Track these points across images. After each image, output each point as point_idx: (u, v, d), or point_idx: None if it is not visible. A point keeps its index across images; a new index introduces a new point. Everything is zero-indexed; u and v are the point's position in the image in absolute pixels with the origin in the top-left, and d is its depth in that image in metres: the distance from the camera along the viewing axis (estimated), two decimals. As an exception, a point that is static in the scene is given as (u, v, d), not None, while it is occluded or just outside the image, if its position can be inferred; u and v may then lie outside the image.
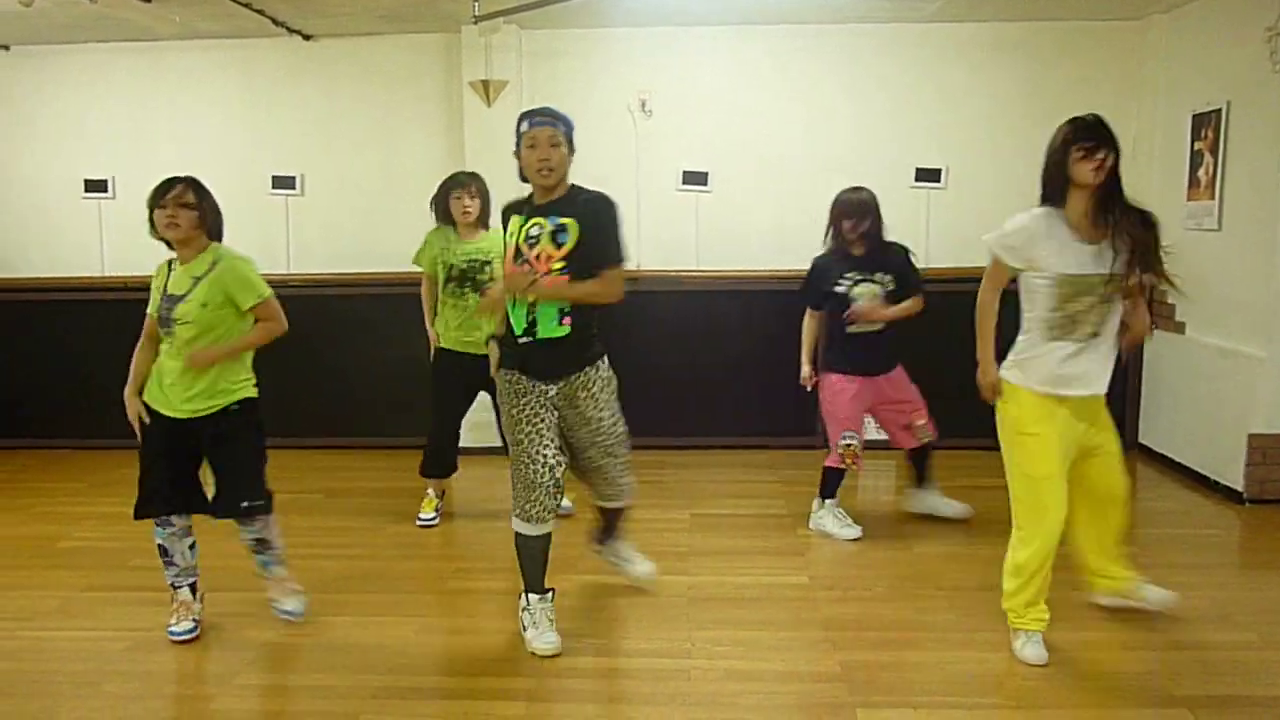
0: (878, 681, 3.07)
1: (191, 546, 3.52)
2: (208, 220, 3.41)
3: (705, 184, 6.10)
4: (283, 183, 6.27)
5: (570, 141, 3.28)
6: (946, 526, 4.57)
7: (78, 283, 6.31)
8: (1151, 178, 5.86)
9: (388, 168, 6.31)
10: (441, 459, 4.78)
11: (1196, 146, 5.33)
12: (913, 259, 4.45)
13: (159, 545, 3.46)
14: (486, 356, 4.47)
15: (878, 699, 2.95)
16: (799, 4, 5.63)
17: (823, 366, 4.50)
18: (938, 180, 5.99)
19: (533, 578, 3.36)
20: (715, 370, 5.97)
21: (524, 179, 3.32)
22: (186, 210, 3.35)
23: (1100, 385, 3.17)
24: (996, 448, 3.30)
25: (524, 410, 3.27)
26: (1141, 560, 4.15)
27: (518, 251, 3.25)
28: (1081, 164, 3.03)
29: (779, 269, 5.97)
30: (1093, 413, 3.22)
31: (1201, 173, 5.28)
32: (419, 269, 4.80)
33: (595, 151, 6.17)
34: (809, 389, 4.53)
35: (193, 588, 3.52)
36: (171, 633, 3.43)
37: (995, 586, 3.65)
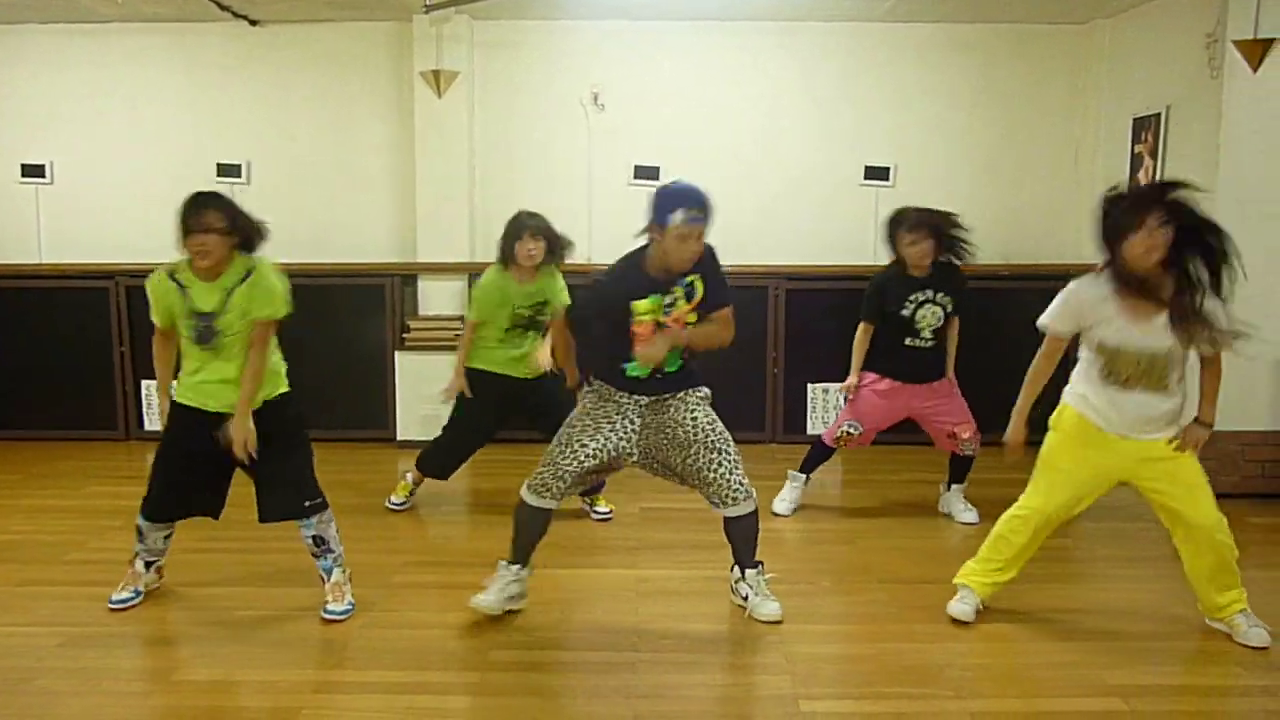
0: (820, 673, 3.11)
1: (167, 536, 3.60)
2: (242, 239, 3.31)
3: (657, 179, 6.08)
4: (228, 171, 6.16)
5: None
6: (891, 521, 4.63)
7: (13, 270, 6.15)
8: (1094, 179, 5.99)
9: (337, 157, 6.23)
10: (444, 464, 4.65)
11: (1137, 149, 5.45)
12: (959, 272, 4.46)
13: (138, 526, 3.52)
14: (528, 380, 4.45)
15: (819, 690, 2.98)
16: (752, 0, 5.66)
17: (866, 365, 4.53)
18: (887, 179, 6.06)
19: (517, 547, 3.45)
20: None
21: (647, 240, 3.28)
22: (218, 236, 3.22)
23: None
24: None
25: (597, 411, 3.36)
26: (1080, 554, 4.27)
27: (657, 324, 3.24)
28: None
29: (730, 264, 5.97)
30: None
31: (1141, 175, 5.40)
32: (472, 318, 4.49)
33: (547, 145, 6.20)
34: (847, 398, 4.56)
35: (148, 564, 3.60)
36: (110, 600, 3.51)
37: (936, 579, 3.72)
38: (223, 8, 5.64)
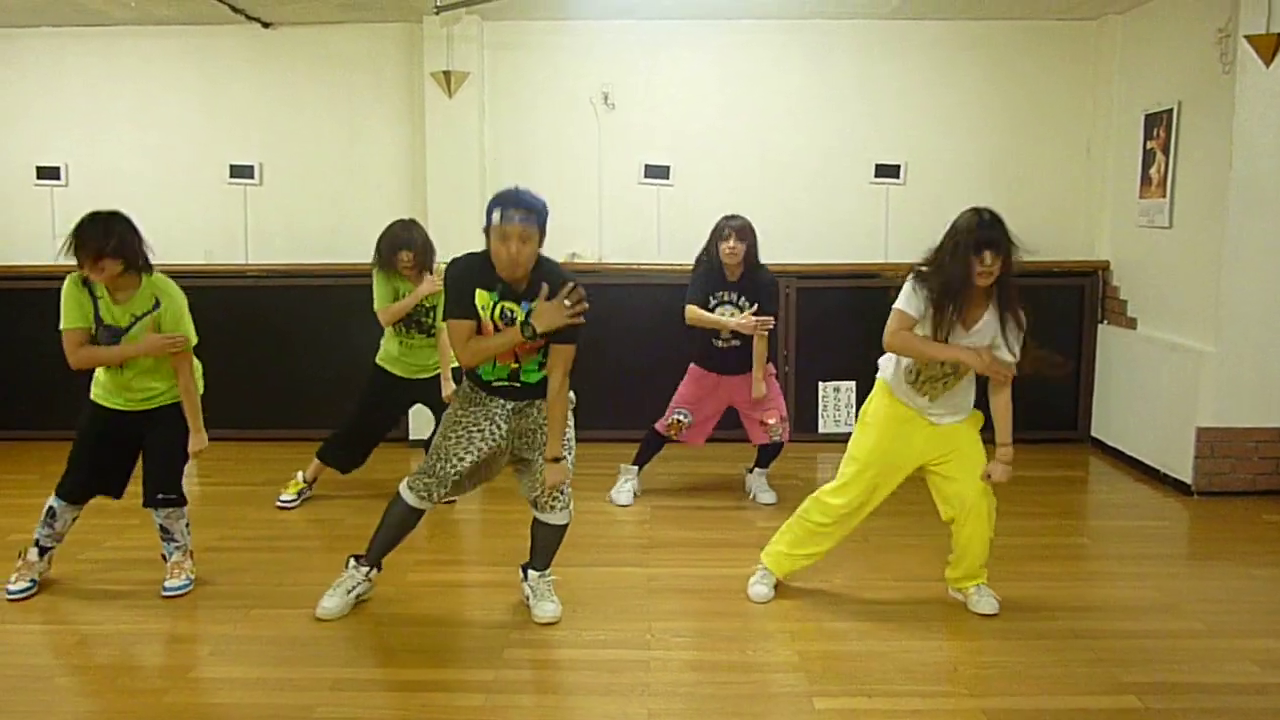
0: (833, 671, 3.11)
1: (74, 519, 3.80)
2: (132, 260, 3.47)
3: (667, 178, 6.11)
4: (241, 172, 6.20)
5: (543, 229, 3.21)
6: (903, 520, 4.61)
7: (29, 271, 6.18)
8: (1105, 175, 5.98)
9: (348, 158, 6.26)
10: (348, 455, 4.84)
11: (1149, 145, 5.43)
12: (774, 288, 4.74)
13: (50, 508, 3.73)
14: (427, 379, 4.73)
15: (833, 688, 2.99)
16: (761, -1, 5.67)
17: (691, 357, 4.87)
18: (897, 176, 6.05)
19: (377, 544, 3.55)
20: (675, 363, 5.98)
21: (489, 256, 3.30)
22: (110, 260, 3.39)
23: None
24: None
25: (467, 417, 3.41)
26: (1094, 552, 4.26)
27: (495, 328, 3.26)
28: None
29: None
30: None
31: (1154, 171, 5.38)
32: (380, 309, 4.73)
33: (557, 145, 6.21)
34: (760, 329, 4.61)
35: (43, 550, 3.77)
36: (9, 591, 3.64)
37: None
38: (235, 10, 5.66)
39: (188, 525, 3.83)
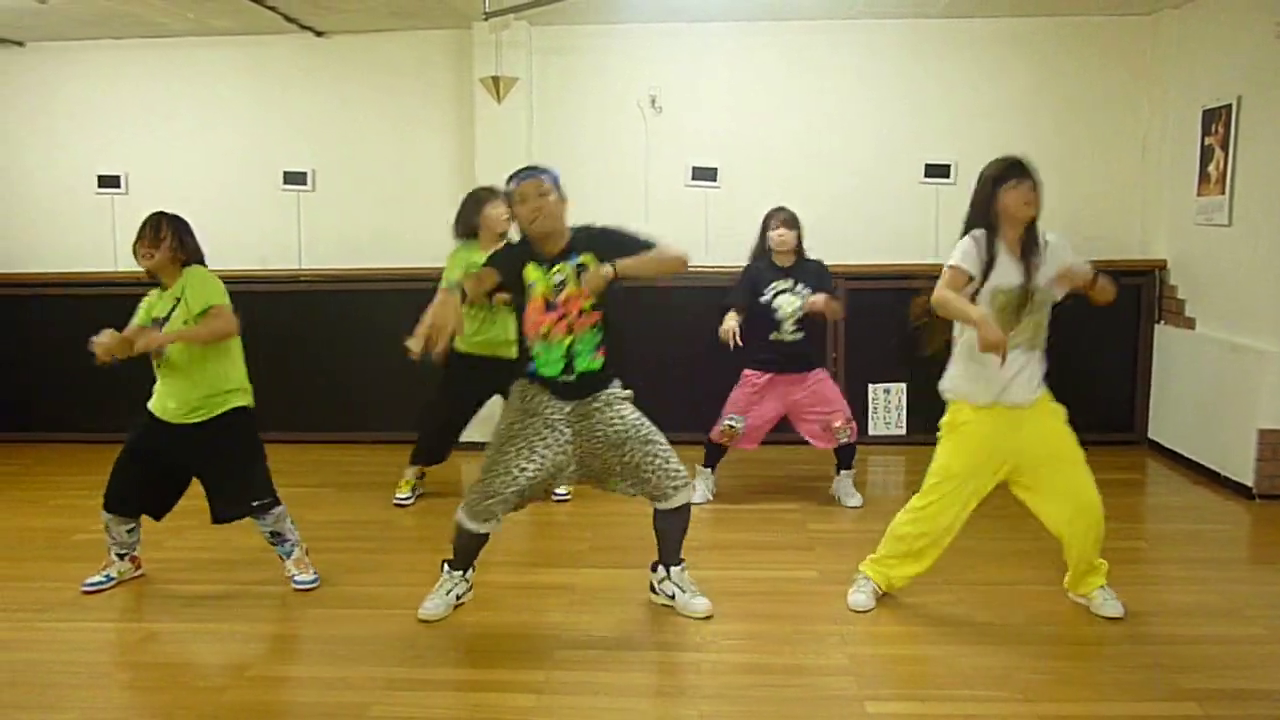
0: (886, 675, 3.09)
1: (130, 530, 3.82)
2: (181, 253, 3.66)
3: (714, 180, 6.11)
4: (294, 178, 6.30)
5: (559, 188, 3.32)
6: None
7: (91, 278, 6.34)
8: (1161, 173, 5.87)
9: (399, 164, 6.34)
10: (436, 452, 4.94)
11: (1207, 141, 5.33)
12: (827, 270, 4.79)
13: (104, 522, 3.78)
14: (503, 359, 4.51)
15: (886, 692, 2.97)
16: (809, 0, 5.64)
17: (744, 361, 4.79)
18: (947, 176, 5.99)
19: (459, 558, 3.56)
20: (726, 366, 5.98)
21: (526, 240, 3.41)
22: (158, 249, 3.61)
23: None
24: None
25: (525, 428, 3.34)
26: (1152, 556, 4.19)
27: (546, 303, 3.29)
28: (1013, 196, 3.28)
29: (788, 264, 5.97)
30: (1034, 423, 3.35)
31: (1212, 168, 5.27)
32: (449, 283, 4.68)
33: (605, 148, 6.24)
34: (732, 340, 4.61)
35: (121, 555, 3.85)
36: (83, 584, 3.78)
37: (1004, 581, 3.68)
38: (289, 20, 5.77)
39: (293, 522, 3.84)
